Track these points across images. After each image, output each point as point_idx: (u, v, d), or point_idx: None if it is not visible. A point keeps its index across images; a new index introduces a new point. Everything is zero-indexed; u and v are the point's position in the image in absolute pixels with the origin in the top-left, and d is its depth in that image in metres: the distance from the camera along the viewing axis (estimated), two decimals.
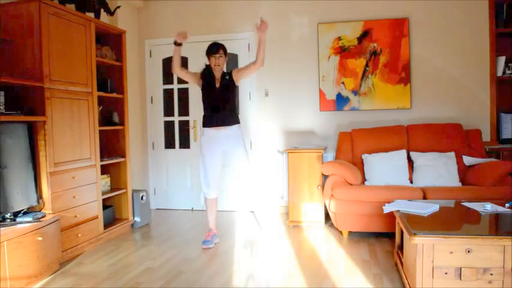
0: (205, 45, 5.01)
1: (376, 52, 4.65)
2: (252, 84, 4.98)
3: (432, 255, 2.30)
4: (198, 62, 5.14)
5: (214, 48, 3.67)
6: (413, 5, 4.58)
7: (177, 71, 3.71)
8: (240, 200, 4.99)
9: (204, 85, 3.73)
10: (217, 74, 3.72)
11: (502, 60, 4.37)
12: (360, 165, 4.28)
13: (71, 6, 3.66)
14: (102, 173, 3.96)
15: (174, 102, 5.28)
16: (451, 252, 2.29)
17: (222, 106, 3.68)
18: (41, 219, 2.98)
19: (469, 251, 2.28)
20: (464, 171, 4.05)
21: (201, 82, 3.74)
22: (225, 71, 3.80)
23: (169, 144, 5.34)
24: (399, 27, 4.58)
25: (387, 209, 3.08)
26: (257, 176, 3.94)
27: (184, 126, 5.28)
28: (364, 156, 4.26)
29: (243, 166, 3.78)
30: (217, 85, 3.69)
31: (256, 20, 3.56)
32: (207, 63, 3.75)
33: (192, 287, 2.81)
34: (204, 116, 3.76)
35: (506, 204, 2.95)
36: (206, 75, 3.73)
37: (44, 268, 2.95)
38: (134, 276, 3.00)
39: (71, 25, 3.48)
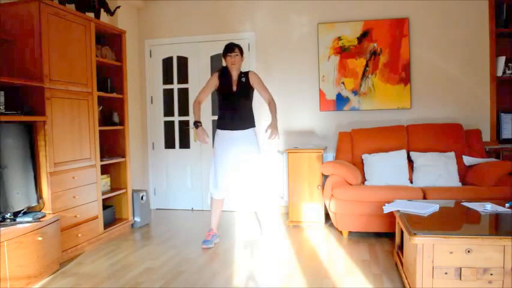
0: (205, 45, 5.14)
1: (376, 52, 4.65)
2: None
3: (432, 255, 2.31)
4: (198, 62, 5.16)
5: (230, 47, 3.66)
6: (413, 5, 4.58)
7: (203, 101, 3.77)
8: (241, 200, 4.99)
9: (221, 88, 3.69)
10: (234, 75, 3.70)
11: (502, 60, 4.37)
12: (360, 165, 4.28)
13: (71, 6, 3.66)
14: (102, 173, 3.96)
15: (174, 102, 5.28)
16: (451, 252, 2.29)
17: (238, 109, 3.66)
18: (41, 219, 2.98)
19: (469, 251, 2.28)
20: (464, 171, 4.05)
21: (218, 84, 3.70)
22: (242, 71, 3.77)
23: (169, 144, 5.34)
24: (399, 27, 4.58)
25: (387, 209, 3.08)
26: (264, 179, 3.92)
27: (184, 126, 5.28)
28: (364, 156, 4.26)
29: (253, 169, 3.75)
30: (234, 88, 3.67)
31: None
32: (224, 65, 3.75)
33: (192, 287, 2.81)
34: (219, 118, 3.75)
35: (506, 204, 2.95)
36: (223, 77, 3.70)
37: (44, 268, 2.95)
38: (134, 276, 3.00)
39: (71, 25, 3.48)
